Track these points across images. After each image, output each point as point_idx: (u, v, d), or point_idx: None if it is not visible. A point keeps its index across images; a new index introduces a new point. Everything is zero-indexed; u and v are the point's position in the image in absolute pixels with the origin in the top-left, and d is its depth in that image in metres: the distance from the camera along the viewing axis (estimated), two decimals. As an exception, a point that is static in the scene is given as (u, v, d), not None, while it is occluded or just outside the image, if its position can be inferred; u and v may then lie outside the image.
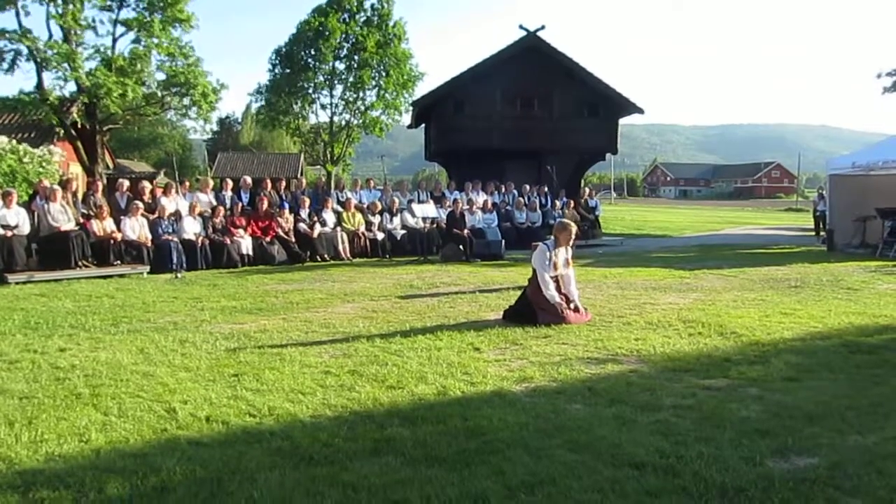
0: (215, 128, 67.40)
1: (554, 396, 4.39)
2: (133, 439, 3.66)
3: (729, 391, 4.50)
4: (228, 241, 12.27)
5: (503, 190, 17.84)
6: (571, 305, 6.89)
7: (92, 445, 3.57)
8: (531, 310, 6.79)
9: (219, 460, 3.35)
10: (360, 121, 38.17)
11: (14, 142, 14.41)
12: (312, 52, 36.63)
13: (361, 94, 37.51)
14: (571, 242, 7.22)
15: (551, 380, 4.78)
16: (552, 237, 7.16)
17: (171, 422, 3.93)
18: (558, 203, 17.83)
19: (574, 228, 7.29)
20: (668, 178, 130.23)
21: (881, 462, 3.31)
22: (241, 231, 12.64)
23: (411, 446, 3.50)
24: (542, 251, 6.97)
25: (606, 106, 23.49)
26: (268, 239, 12.86)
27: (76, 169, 22.79)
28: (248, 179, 15.14)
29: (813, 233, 20.49)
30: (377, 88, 37.06)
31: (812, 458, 3.38)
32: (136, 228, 11.61)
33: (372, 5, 36.68)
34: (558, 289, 6.89)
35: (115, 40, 22.07)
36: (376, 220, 14.56)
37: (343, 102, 38.04)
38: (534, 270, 7.01)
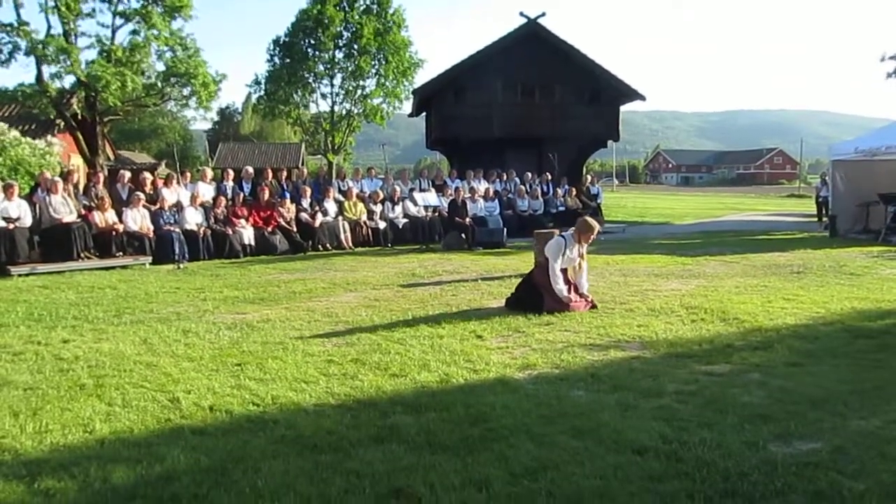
0: (216, 118, 67.38)
1: (556, 383, 4.39)
2: (137, 429, 3.68)
3: (731, 377, 4.50)
4: (230, 232, 12.27)
5: (505, 178, 17.76)
6: (577, 294, 6.84)
7: (96, 435, 3.58)
8: (537, 294, 6.70)
9: (223, 449, 3.36)
10: (361, 109, 38.03)
11: (17, 132, 14.40)
12: (312, 42, 36.44)
13: (361, 83, 37.36)
14: (590, 241, 7.13)
15: (554, 366, 4.78)
16: (572, 231, 6.93)
17: (175, 411, 3.94)
18: (560, 191, 17.79)
19: (597, 229, 7.10)
20: (670, 165, 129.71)
21: (884, 446, 3.32)
22: (242, 221, 12.64)
23: (415, 434, 3.51)
24: (558, 243, 6.78)
25: (607, 93, 23.42)
26: (269, 229, 12.86)
27: (77, 160, 22.78)
28: (250, 169, 15.08)
29: (815, 219, 20.42)
30: (377, 76, 36.89)
31: (815, 442, 3.38)
32: (137, 219, 11.61)
33: (371, -7, 36.46)
34: (567, 279, 6.84)
35: (114, 31, 22.03)
36: (378, 209, 14.54)
37: (343, 91, 37.89)
38: (546, 258, 6.89)
